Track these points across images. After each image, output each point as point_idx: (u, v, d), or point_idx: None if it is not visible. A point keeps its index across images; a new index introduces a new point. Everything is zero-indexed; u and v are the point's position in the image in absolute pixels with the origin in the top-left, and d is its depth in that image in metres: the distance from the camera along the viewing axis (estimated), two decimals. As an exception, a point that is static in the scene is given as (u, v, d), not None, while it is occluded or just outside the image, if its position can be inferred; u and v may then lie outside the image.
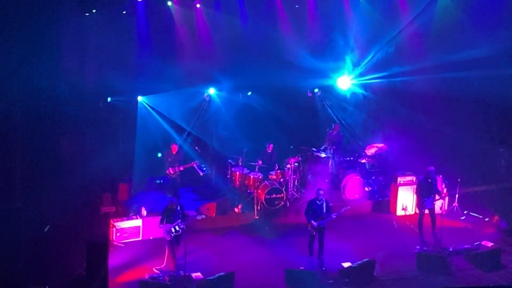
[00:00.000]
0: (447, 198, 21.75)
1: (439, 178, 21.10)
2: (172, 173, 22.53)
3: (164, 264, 17.98)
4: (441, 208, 20.71)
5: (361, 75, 26.40)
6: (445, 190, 21.94)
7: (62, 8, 20.47)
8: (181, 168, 22.61)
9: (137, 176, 23.75)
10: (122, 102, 24.09)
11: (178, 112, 24.85)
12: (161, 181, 23.62)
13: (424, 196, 20.24)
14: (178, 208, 18.26)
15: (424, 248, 19.03)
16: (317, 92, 26.57)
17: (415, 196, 21.52)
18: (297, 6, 25.58)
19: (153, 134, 24.51)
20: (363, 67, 26.19)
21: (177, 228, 17.97)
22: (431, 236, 20.27)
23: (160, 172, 23.57)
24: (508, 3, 23.06)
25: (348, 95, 26.85)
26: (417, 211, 20.96)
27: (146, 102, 24.43)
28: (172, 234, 18.02)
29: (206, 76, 24.86)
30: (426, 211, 20.23)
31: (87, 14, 22.52)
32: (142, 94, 24.31)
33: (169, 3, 24.07)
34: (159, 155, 23.82)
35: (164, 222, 18.08)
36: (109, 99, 23.75)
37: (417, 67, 24.79)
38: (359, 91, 26.78)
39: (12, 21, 17.54)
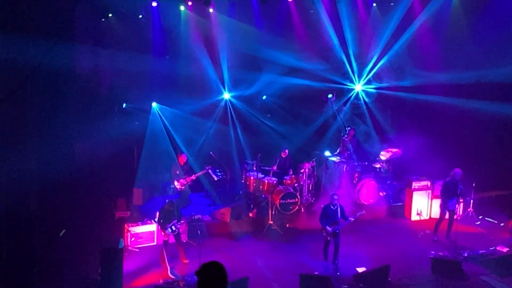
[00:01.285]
0: (462, 204, 21.71)
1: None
2: (181, 185, 22.49)
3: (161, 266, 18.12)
4: (456, 213, 20.74)
5: (375, 81, 26.43)
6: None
7: (77, 12, 20.51)
8: (193, 178, 22.63)
9: (151, 181, 23.75)
10: (137, 108, 24.20)
11: (193, 117, 24.92)
12: (174, 187, 23.66)
13: (449, 197, 20.29)
14: (174, 208, 18.49)
15: (438, 253, 18.94)
16: (331, 97, 26.56)
17: (438, 198, 21.47)
18: (312, 11, 25.57)
19: (167, 140, 24.60)
20: (377, 73, 26.19)
21: (173, 228, 18.22)
22: (445, 238, 20.37)
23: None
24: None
25: (362, 101, 26.86)
26: (440, 212, 20.87)
27: (159, 108, 24.50)
28: (171, 234, 18.30)
29: (221, 81, 24.96)
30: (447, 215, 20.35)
31: (103, 19, 22.59)
32: (157, 100, 24.39)
33: (182, 8, 24.11)
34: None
35: (162, 222, 18.27)
36: (124, 105, 23.84)
37: (432, 73, 24.81)
38: (373, 96, 26.80)
39: (27, 26, 17.59)
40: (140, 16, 23.60)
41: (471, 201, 21.98)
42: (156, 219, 19.16)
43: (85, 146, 22.09)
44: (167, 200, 18.99)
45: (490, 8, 23.79)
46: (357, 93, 26.99)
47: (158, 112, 24.50)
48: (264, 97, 26.30)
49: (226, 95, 25.65)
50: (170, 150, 24.06)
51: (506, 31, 23.37)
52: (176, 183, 22.60)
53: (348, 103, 26.99)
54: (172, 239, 18.56)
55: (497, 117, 24.11)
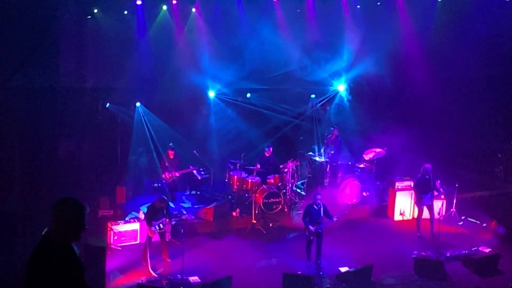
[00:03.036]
0: (445, 202, 21.83)
1: (437, 183, 21.13)
2: (168, 177, 22.63)
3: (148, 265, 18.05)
4: (439, 213, 20.97)
5: (357, 79, 26.45)
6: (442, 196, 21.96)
7: (61, 9, 20.44)
8: (177, 174, 22.71)
9: (135, 180, 23.72)
10: (121, 107, 24.15)
11: (176, 116, 24.90)
12: (159, 185, 23.70)
13: (422, 192, 20.63)
14: (164, 206, 18.45)
15: (421, 253, 18.99)
16: (313, 98, 26.62)
17: (413, 194, 21.68)
18: (298, 11, 25.60)
19: (151, 138, 24.60)
20: (358, 71, 26.21)
21: (161, 225, 18.18)
22: (429, 236, 20.56)
23: (157, 176, 23.69)
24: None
25: (345, 100, 26.90)
26: (417, 208, 21.26)
27: (143, 107, 24.49)
28: (156, 232, 18.24)
29: (206, 79, 24.94)
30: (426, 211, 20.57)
31: (89, 17, 22.48)
32: (141, 99, 24.34)
33: (164, 7, 24.08)
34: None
35: (149, 219, 18.23)
36: (107, 104, 23.77)
37: (415, 72, 24.92)
38: (355, 96, 26.84)
39: (12, 23, 17.54)
40: (126, 12, 23.44)
41: (454, 201, 22.07)
42: (142, 217, 19.16)
43: (68, 144, 22.02)
44: (158, 197, 18.98)
45: (473, 10, 23.97)
46: (339, 94, 27.01)
47: (141, 113, 24.47)
48: (249, 95, 26.27)
49: (211, 93, 25.65)
50: (152, 149, 24.14)
51: (490, 32, 23.56)
52: (165, 175, 22.74)
53: (334, 104, 27.00)
54: (156, 237, 18.50)
55: (480, 118, 24.30)
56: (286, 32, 25.23)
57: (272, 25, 25.24)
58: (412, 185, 22.37)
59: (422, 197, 20.71)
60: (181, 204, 22.89)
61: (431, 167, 20.65)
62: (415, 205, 21.49)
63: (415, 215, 22.10)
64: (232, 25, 24.96)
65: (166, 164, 22.80)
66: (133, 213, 21.24)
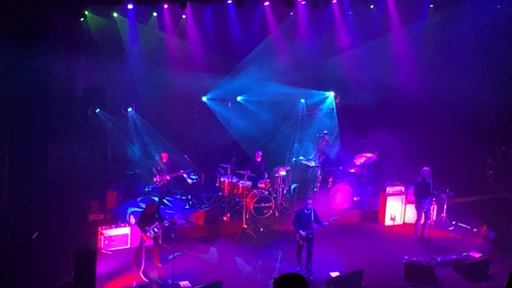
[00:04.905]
0: (435, 207, 21.89)
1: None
2: (159, 181, 22.59)
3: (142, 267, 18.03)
4: (429, 218, 20.94)
5: (347, 85, 26.44)
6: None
7: (53, 12, 20.36)
8: (168, 177, 22.64)
9: (125, 184, 23.70)
10: (111, 111, 24.17)
11: (167, 120, 24.95)
12: (150, 189, 23.70)
13: (422, 197, 20.68)
14: (155, 210, 18.46)
15: (411, 258, 18.99)
16: (303, 102, 26.67)
17: (412, 204, 21.81)
18: (291, 14, 25.65)
19: (142, 143, 24.64)
20: (349, 75, 26.20)
21: (155, 229, 18.15)
22: (420, 237, 20.74)
23: (149, 180, 23.69)
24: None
25: (336, 105, 26.91)
26: (416, 213, 21.36)
27: (135, 111, 24.52)
28: (151, 236, 18.18)
29: (197, 84, 24.96)
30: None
31: (82, 19, 22.43)
32: (132, 103, 24.36)
33: (154, 14, 24.13)
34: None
35: (142, 225, 18.20)
36: (97, 110, 23.75)
37: (403, 77, 25.00)
38: (345, 100, 26.84)
39: (1, 25, 17.48)
40: (116, 15, 23.38)
41: (445, 206, 22.11)
42: (133, 222, 19.14)
43: (58, 148, 21.99)
44: (146, 202, 18.98)
45: (464, 14, 24.08)
46: (329, 99, 27.03)
47: (134, 114, 24.51)
48: (239, 98, 26.25)
49: (203, 98, 25.67)
50: (144, 153, 24.21)
51: (481, 36, 23.68)
52: (156, 178, 22.70)
53: (325, 109, 27.01)
54: (149, 242, 18.46)
55: (471, 123, 24.38)
56: (278, 36, 25.34)
57: (264, 29, 25.32)
58: (402, 190, 22.43)
59: (422, 202, 20.74)
60: (171, 208, 22.86)
61: (429, 170, 20.71)
62: (415, 210, 21.42)
63: (406, 220, 22.17)
64: (223, 30, 25.00)
65: (158, 168, 22.75)
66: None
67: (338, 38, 25.94)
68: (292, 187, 24.00)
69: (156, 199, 22.74)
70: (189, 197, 23.46)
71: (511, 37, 24.18)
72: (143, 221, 18.25)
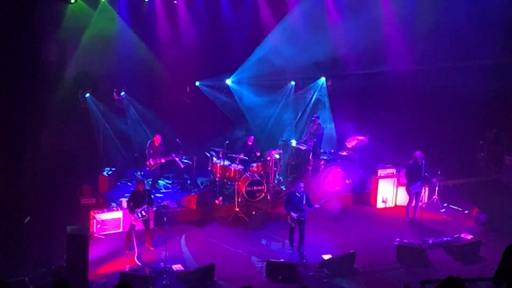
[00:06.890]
0: (427, 189, 21.93)
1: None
2: (152, 164, 22.53)
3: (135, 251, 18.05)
4: (421, 201, 21.00)
5: (339, 69, 26.33)
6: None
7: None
8: (162, 160, 22.57)
9: (118, 168, 23.65)
10: (103, 95, 24.09)
11: (159, 104, 24.91)
12: (142, 173, 23.67)
13: (413, 179, 20.74)
14: (145, 193, 18.40)
15: (403, 240, 19.06)
16: (293, 85, 26.62)
17: (403, 186, 21.83)
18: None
19: (134, 126, 24.60)
20: (340, 59, 26.07)
21: (143, 213, 18.13)
22: (411, 222, 20.86)
23: (141, 164, 23.65)
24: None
25: (328, 89, 26.87)
26: (408, 195, 21.44)
27: (128, 94, 24.45)
28: (139, 219, 18.17)
29: (190, 70, 24.90)
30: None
31: (72, 1, 22.27)
32: (124, 87, 24.30)
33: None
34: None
35: (132, 205, 18.18)
36: (87, 94, 23.67)
37: (395, 60, 24.94)
38: (337, 84, 26.78)
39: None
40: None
41: (436, 188, 22.16)
42: (125, 206, 19.14)
43: (49, 132, 21.90)
44: (136, 180, 18.99)
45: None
46: (321, 82, 26.96)
47: (127, 97, 24.46)
48: (228, 81, 26.12)
49: (196, 83, 25.63)
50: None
51: (473, 19, 23.64)
52: (149, 162, 22.68)
53: (316, 92, 26.95)
54: (139, 225, 18.45)
55: (462, 105, 24.40)
56: (270, 21, 25.27)
57: (256, 16, 25.29)
58: (394, 173, 22.49)
59: (412, 184, 20.83)
60: (163, 192, 22.84)
61: (422, 154, 20.78)
62: (406, 192, 21.50)
63: (398, 203, 22.24)
64: (216, 17, 24.94)
65: (151, 151, 22.66)
66: (113, 204, 21.14)
67: (328, 21, 25.81)
68: (284, 170, 23.99)
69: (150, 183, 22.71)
70: (181, 180, 23.46)
71: (504, 21, 24.09)
72: (133, 200, 18.23)
